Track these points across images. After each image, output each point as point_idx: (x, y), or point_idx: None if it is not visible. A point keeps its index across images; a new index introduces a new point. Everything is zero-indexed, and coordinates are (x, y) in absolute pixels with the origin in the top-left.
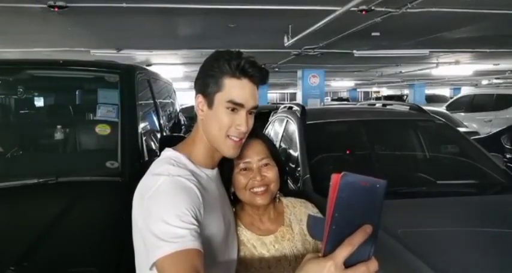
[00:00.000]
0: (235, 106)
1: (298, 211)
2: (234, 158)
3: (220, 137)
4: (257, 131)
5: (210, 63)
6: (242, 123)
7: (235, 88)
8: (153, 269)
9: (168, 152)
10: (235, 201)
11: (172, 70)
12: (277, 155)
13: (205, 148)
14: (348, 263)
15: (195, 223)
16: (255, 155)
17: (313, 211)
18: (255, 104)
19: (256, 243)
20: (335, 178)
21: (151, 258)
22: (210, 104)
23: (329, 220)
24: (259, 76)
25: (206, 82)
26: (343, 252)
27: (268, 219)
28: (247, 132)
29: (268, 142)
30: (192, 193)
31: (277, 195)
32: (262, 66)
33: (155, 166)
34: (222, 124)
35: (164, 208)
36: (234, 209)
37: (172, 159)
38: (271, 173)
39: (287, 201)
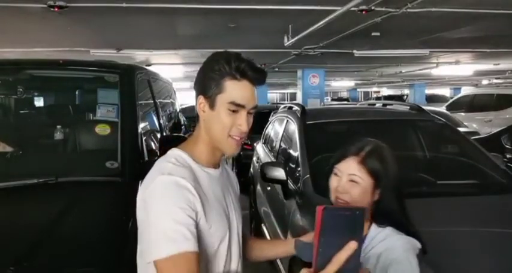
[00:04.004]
0: (236, 108)
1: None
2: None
3: (223, 137)
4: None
5: (209, 65)
6: (243, 123)
7: (236, 90)
8: (150, 263)
9: (172, 151)
10: None
11: (172, 70)
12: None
13: (207, 147)
14: None
15: (189, 221)
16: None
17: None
18: (255, 104)
19: None
20: (318, 211)
21: (147, 258)
22: (211, 105)
23: (316, 244)
24: (257, 77)
25: (207, 84)
26: (333, 267)
27: None
28: (248, 131)
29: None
30: (185, 190)
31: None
32: (261, 66)
33: (156, 164)
34: (224, 125)
35: (157, 210)
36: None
37: (173, 158)
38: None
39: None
